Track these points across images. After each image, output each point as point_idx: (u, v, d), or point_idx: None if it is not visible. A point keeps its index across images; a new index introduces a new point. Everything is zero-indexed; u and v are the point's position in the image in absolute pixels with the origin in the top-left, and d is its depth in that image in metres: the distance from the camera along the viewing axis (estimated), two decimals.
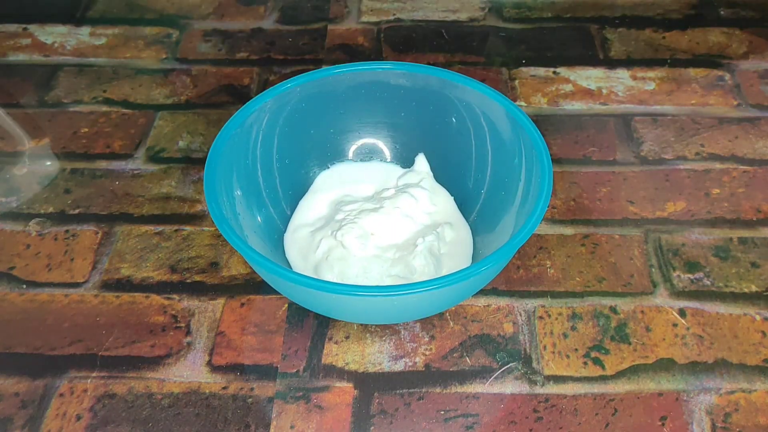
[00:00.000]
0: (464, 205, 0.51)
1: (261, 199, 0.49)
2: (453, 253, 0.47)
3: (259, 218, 0.48)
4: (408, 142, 0.53)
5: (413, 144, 0.52)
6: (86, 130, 0.59)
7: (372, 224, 0.47)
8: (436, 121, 0.51)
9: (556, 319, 0.46)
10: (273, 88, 0.48)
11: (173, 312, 0.47)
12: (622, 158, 0.57)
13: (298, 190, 0.52)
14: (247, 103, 0.47)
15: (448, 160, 0.51)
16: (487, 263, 0.39)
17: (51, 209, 0.53)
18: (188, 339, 0.46)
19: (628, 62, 0.65)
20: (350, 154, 0.53)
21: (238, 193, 0.46)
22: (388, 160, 0.53)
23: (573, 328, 0.46)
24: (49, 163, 0.57)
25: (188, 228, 0.52)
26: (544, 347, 0.45)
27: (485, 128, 0.49)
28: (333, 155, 0.53)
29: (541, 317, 0.47)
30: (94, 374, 0.44)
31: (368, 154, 0.53)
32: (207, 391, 0.43)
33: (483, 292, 0.48)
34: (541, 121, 0.59)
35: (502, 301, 0.47)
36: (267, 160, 0.49)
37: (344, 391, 0.43)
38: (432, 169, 0.52)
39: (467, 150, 0.50)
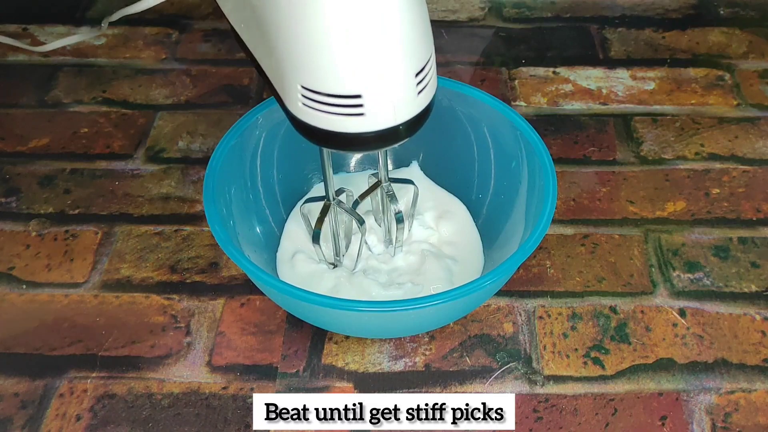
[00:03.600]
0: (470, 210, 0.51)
1: (262, 214, 0.49)
2: (459, 245, 0.48)
3: (258, 229, 0.48)
4: (406, 148, 0.52)
5: (412, 151, 0.52)
6: (86, 130, 0.59)
7: (380, 263, 0.48)
8: (436, 129, 0.51)
9: (556, 319, 0.46)
10: (269, 100, 0.48)
11: (173, 312, 0.47)
12: (622, 158, 0.57)
13: (297, 200, 0.52)
14: (244, 115, 0.47)
15: (451, 168, 0.52)
16: (492, 277, 0.39)
17: (51, 209, 0.53)
18: (188, 339, 0.46)
19: (628, 62, 0.65)
20: (351, 166, 0.53)
21: (235, 211, 0.46)
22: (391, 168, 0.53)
23: (573, 328, 0.46)
24: None
25: (188, 228, 0.52)
26: (544, 347, 0.45)
27: (486, 135, 0.49)
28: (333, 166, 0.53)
29: (541, 317, 0.47)
30: (93, 374, 0.44)
31: (370, 164, 0.53)
32: (207, 391, 0.43)
33: None
34: (541, 121, 0.59)
35: (502, 301, 0.47)
36: (267, 171, 0.49)
37: (344, 391, 0.43)
38: (434, 175, 0.52)
39: (469, 157, 0.50)
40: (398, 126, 0.35)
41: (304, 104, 0.35)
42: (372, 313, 0.39)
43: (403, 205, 0.47)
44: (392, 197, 0.46)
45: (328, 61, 0.33)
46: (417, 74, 0.34)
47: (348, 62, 0.33)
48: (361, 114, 0.34)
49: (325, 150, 0.41)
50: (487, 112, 0.48)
